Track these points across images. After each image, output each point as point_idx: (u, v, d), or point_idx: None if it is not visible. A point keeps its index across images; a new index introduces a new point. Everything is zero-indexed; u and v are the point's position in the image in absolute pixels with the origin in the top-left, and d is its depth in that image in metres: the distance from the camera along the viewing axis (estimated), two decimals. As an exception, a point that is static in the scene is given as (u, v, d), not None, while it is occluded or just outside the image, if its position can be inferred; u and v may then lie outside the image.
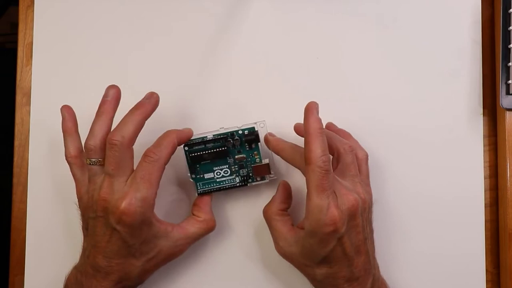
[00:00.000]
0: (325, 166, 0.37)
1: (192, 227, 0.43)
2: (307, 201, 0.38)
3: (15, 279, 0.47)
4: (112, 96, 0.42)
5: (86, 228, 0.41)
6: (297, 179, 0.46)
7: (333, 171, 0.41)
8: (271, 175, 0.45)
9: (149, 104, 0.41)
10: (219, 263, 0.47)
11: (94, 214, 0.40)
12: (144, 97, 0.42)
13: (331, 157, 0.42)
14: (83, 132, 0.46)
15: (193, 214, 0.44)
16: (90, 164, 0.40)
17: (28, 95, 0.48)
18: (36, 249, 0.47)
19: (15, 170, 0.48)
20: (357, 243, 0.39)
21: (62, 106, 0.43)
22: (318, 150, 0.37)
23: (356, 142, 0.46)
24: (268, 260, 0.47)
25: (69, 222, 0.47)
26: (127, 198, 0.38)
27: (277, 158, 0.45)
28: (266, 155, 0.44)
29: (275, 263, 0.46)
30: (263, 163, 0.44)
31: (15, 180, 0.48)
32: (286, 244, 0.41)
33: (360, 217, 0.39)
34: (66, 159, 0.42)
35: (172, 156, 0.44)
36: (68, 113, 0.43)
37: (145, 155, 0.39)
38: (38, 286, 0.47)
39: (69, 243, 0.46)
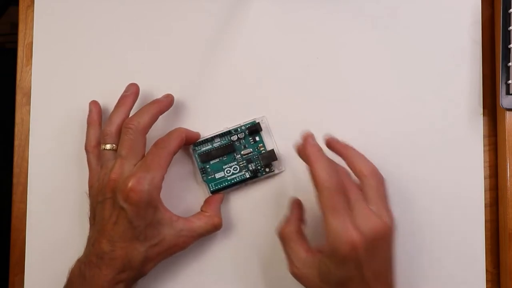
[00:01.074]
0: (333, 186, 0.37)
1: (198, 221, 0.43)
2: (324, 224, 0.37)
3: (15, 279, 0.47)
4: (132, 91, 0.45)
5: (93, 217, 0.42)
6: (302, 173, 0.46)
7: (359, 193, 0.39)
8: (280, 168, 0.46)
9: (166, 101, 0.45)
10: (222, 262, 0.47)
11: (103, 197, 0.41)
12: (162, 96, 0.46)
13: (350, 179, 0.40)
14: (85, 131, 0.47)
15: (201, 210, 0.45)
16: (104, 149, 0.43)
17: (28, 95, 0.48)
18: (36, 249, 0.47)
19: (15, 170, 0.48)
20: (378, 271, 0.38)
21: (91, 101, 0.46)
22: (322, 173, 0.37)
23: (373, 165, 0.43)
24: (271, 259, 0.47)
25: (69, 222, 0.47)
26: (135, 176, 0.40)
27: (282, 151, 0.46)
28: (271, 146, 0.46)
29: (277, 261, 0.47)
30: (268, 150, 0.46)
31: (15, 180, 0.48)
32: (304, 266, 0.40)
33: (383, 243, 0.38)
34: (86, 148, 0.45)
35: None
36: (95, 107, 0.46)
37: (156, 143, 0.42)
38: (38, 286, 0.47)
39: (69, 243, 0.46)
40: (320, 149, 0.39)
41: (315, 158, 0.38)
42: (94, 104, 0.46)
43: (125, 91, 0.45)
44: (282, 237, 0.42)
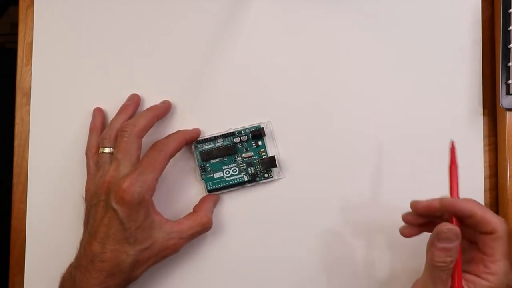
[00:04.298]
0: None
1: (187, 221, 0.44)
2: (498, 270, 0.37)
3: (15, 279, 0.47)
4: (134, 100, 0.46)
5: (87, 221, 0.43)
6: (306, 182, 0.47)
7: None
8: (279, 175, 0.46)
9: (163, 107, 0.46)
10: (213, 265, 0.47)
11: (97, 199, 0.41)
12: (159, 102, 0.47)
13: None
14: (85, 132, 0.47)
15: (193, 209, 0.45)
16: (102, 153, 0.43)
17: (28, 95, 0.48)
18: (36, 249, 0.47)
19: (15, 170, 0.48)
20: None
21: (95, 108, 0.47)
22: (494, 218, 0.37)
23: None
24: (262, 262, 0.47)
25: (69, 223, 0.47)
26: (129, 178, 0.40)
27: (283, 158, 0.46)
28: (272, 152, 0.46)
29: (270, 264, 0.47)
30: (269, 156, 0.46)
31: (15, 180, 0.48)
32: None
33: None
34: (86, 153, 0.45)
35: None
36: (98, 114, 0.47)
37: (154, 145, 0.43)
38: (38, 286, 0.47)
39: (68, 243, 0.46)
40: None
41: (476, 202, 0.39)
42: (98, 110, 0.47)
43: (127, 100, 0.47)
44: (450, 267, 0.37)
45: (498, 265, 0.37)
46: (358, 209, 0.47)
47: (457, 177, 0.39)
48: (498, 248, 0.37)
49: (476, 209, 0.38)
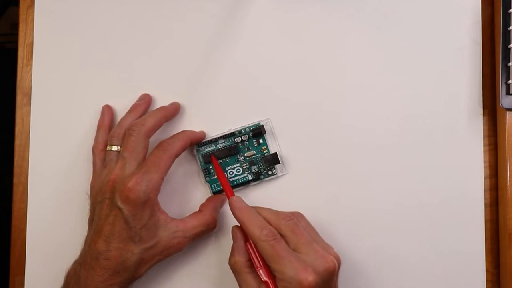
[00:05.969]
0: (268, 237, 0.38)
1: (192, 220, 0.43)
2: (277, 275, 0.38)
3: (16, 279, 0.47)
4: (145, 100, 0.47)
5: (92, 218, 0.43)
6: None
7: (305, 234, 0.40)
8: (283, 171, 0.46)
9: (172, 108, 0.46)
10: (218, 264, 0.47)
11: (102, 197, 0.41)
12: (169, 104, 0.47)
13: (298, 222, 0.41)
14: (85, 132, 0.47)
15: (199, 209, 0.45)
16: (110, 150, 0.43)
17: (28, 95, 0.48)
18: (36, 249, 0.47)
19: (15, 170, 0.48)
20: None
21: (104, 105, 0.47)
22: (252, 228, 0.39)
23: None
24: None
25: (69, 223, 0.47)
26: (135, 177, 0.40)
27: (285, 154, 0.47)
28: (274, 149, 0.46)
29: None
30: (271, 153, 0.46)
31: (15, 180, 0.48)
32: None
33: (334, 277, 0.39)
34: (93, 150, 0.45)
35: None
36: (107, 111, 0.47)
37: (159, 144, 0.43)
38: (39, 286, 0.47)
39: (69, 243, 0.46)
40: (246, 208, 0.41)
41: (243, 218, 0.40)
42: (107, 108, 0.47)
43: (138, 100, 0.47)
44: (235, 269, 0.41)
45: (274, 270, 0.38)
46: (361, 200, 0.47)
47: (226, 180, 0.44)
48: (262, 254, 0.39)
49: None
